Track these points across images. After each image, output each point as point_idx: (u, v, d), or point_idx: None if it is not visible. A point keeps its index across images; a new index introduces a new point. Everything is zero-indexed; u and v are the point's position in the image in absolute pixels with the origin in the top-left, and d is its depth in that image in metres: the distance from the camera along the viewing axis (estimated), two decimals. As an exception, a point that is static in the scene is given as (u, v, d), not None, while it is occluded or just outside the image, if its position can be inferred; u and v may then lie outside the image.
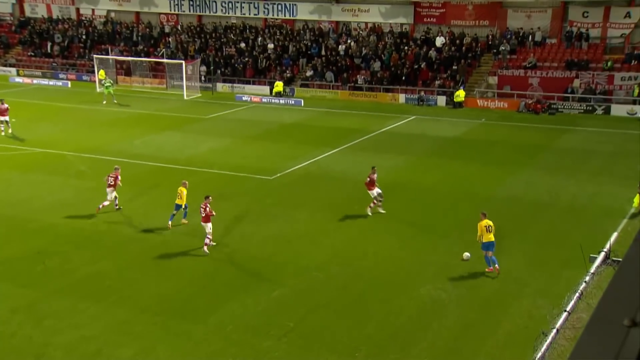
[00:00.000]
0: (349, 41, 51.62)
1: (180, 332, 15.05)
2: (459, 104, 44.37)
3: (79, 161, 29.33)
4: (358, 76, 48.98)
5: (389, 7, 51.51)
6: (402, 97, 46.73)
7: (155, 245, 20.17)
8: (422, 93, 46.03)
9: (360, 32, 52.69)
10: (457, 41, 48.58)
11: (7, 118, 33.76)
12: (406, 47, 49.64)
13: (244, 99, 47.24)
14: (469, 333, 15.21)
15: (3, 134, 33.75)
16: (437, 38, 49.21)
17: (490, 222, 18.22)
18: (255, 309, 16.23)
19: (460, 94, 44.32)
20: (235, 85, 50.87)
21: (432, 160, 30.67)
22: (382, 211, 22.72)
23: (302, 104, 45.56)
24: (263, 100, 46.93)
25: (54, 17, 62.43)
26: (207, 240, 19.45)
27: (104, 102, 44.04)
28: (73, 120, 38.55)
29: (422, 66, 47.73)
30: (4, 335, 14.78)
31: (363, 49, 50.56)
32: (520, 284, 17.50)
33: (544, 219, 22.57)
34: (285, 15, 54.99)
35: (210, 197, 19.82)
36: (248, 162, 29.77)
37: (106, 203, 22.50)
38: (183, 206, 21.47)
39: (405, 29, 51.75)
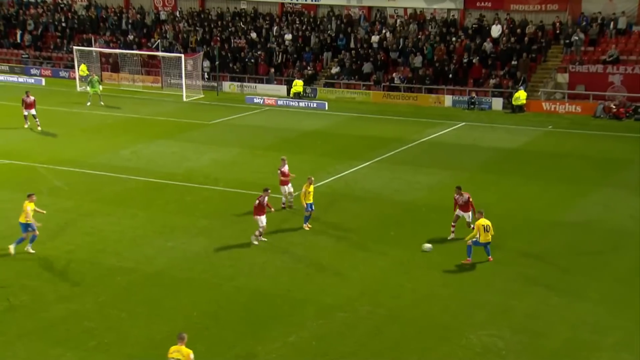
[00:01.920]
0: (383, 31, 51.90)
1: (174, 385, 15.09)
2: (519, 108, 44.19)
3: (54, 175, 29.73)
4: (394, 74, 49.16)
5: (433, -12, 51.80)
6: (448, 100, 46.74)
7: (146, 278, 20.32)
8: (474, 94, 46.00)
9: (398, 19, 52.94)
10: (518, 30, 48.56)
11: (34, 112, 37.37)
12: (454, 38, 49.75)
13: (255, 101, 47.62)
14: (531, 392, 15.05)
15: (28, 126, 37.34)
16: (493, 27, 49.26)
17: (488, 222, 20.73)
18: (268, 357, 16.25)
19: (520, 96, 44.17)
20: (245, 84, 51.37)
21: (485, 177, 30.54)
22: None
23: (326, 108, 45.78)
24: (278, 102, 47.27)
25: None
26: (257, 233, 22.30)
27: (89, 103, 44.76)
28: (47, 126, 39.13)
29: (473, 61, 47.76)
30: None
31: (401, 40, 50.79)
32: (598, 333, 17.30)
33: (627, 251, 22.30)
34: (306, 0, 55.45)
35: (269, 190, 22.81)
36: (259, 178, 29.89)
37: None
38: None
39: (454, 15, 51.91)
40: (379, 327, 17.67)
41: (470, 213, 23.05)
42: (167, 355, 13.86)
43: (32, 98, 37.77)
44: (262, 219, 22.43)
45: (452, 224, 23.26)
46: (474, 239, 20.95)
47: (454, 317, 18.20)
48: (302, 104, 46.82)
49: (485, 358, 16.26)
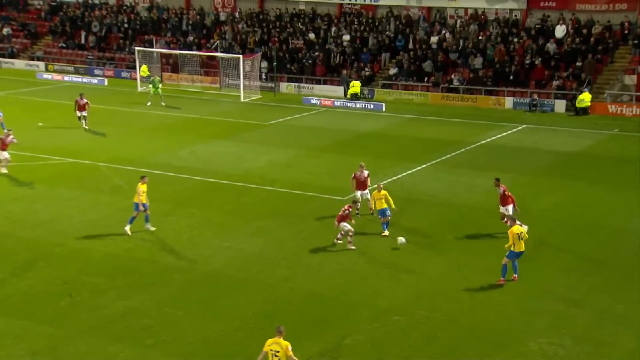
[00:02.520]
0: (443, 32, 51.52)
1: (230, 385, 15.30)
2: (583, 111, 43.36)
3: (115, 174, 30.40)
4: (453, 75, 48.73)
5: (496, -12, 51.20)
6: (508, 102, 46.14)
7: (203, 277, 20.62)
8: (536, 96, 45.29)
9: (458, 20, 52.50)
10: (584, 30, 47.67)
11: (84, 113, 38.39)
12: (516, 39, 49.09)
13: (312, 101, 47.82)
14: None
15: (86, 127, 38.14)
16: (557, 27, 48.46)
17: (523, 229, 19.75)
18: (322, 359, 16.29)
19: (585, 98, 43.33)
20: (302, 85, 51.62)
21: (547, 181, 30.07)
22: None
23: (384, 109, 45.68)
24: (335, 103, 47.36)
25: (90, 1, 65.21)
26: (341, 235, 22.41)
27: (149, 103, 45.59)
28: (109, 125, 40.06)
29: (535, 62, 47.02)
30: (23, 380, 15.45)
31: (461, 41, 50.33)
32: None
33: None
34: (365, 0, 55.46)
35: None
36: (316, 179, 30.03)
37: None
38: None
39: (516, 16, 51.23)
40: (435, 331, 17.56)
41: (510, 206, 23.08)
42: (265, 349, 14.00)
43: (85, 100, 38.52)
44: (345, 225, 22.40)
45: (502, 219, 23.33)
46: (508, 251, 19.79)
47: (512, 323, 17.97)
48: (359, 105, 46.79)
49: (544, 366, 16.03)
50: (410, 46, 51.60)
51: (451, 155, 34.15)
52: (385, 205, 23.55)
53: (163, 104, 45.46)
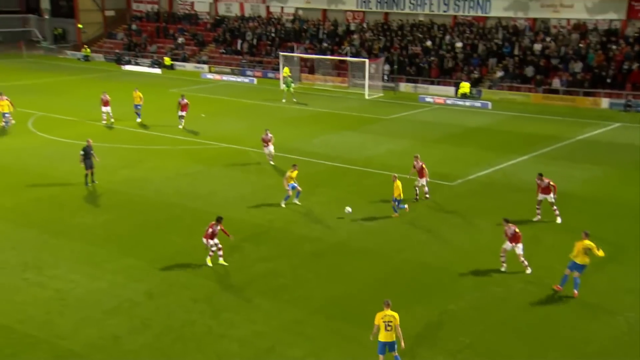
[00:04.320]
0: (546, 40, 49.23)
1: (351, 337, 15.42)
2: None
3: (260, 157, 31.19)
4: (554, 78, 46.51)
5: (597, 1, 48.35)
6: (605, 102, 43.62)
7: (330, 247, 20.84)
8: (631, 98, 42.49)
9: (561, 29, 49.99)
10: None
11: (184, 113, 36.54)
12: (614, 46, 46.17)
13: (427, 100, 47.10)
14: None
15: (181, 127, 36.58)
16: (655, 35, 45.19)
17: (592, 244, 16.95)
18: (428, 319, 16.15)
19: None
20: (418, 85, 50.90)
21: (638, 174, 28.24)
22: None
23: (490, 107, 44.36)
24: (447, 101, 46.42)
25: (246, 15, 67.02)
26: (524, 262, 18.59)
27: (284, 100, 46.38)
28: (256, 117, 41.10)
29: (633, 68, 44.08)
30: (186, 323, 16.19)
31: (562, 48, 47.93)
32: None
33: None
34: (477, 12, 53.94)
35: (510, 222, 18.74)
36: (428, 166, 29.49)
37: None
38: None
39: (615, 25, 48.17)
40: (531, 302, 17.00)
41: (551, 195, 22.37)
42: (378, 320, 13.74)
43: (185, 101, 36.69)
44: (519, 247, 18.90)
45: (537, 207, 22.81)
46: (570, 262, 17.39)
47: (601, 299, 17.18)
48: (467, 104, 45.64)
49: (631, 339, 15.15)
50: (516, 52, 49.68)
51: (550, 149, 32.72)
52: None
53: (295, 100, 46.08)
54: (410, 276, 18.78)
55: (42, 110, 41.60)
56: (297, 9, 64.18)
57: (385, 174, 28.37)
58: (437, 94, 48.35)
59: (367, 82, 48.82)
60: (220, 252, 19.32)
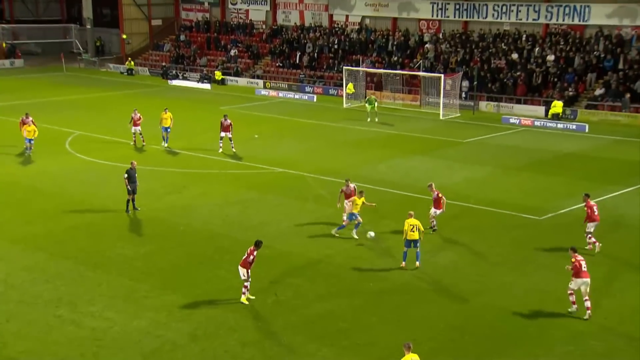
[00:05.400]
0: (657, 51, 48.13)
1: (418, 392, 15.27)
2: None
3: (319, 184, 31.47)
4: (665, 96, 45.33)
5: None
6: None
7: (396, 287, 20.79)
8: None
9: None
10: None
11: (229, 134, 37.04)
12: None
13: (511, 121, 46.64)
14: None
15: (220, 150, 37.01)
16: None
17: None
18: (510, 377, 15.87)
19: None
20: (501, 104, 50.46)
21: None
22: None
23: (587, 130, 43.54)
24: (535, 123, 45.83)
25: (306, 24, 68.03)
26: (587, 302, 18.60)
27: (369, 119, 46.70)
28: (315, 139, 41.56)
29: None
30: (233, 368, 16.42)
31: (675, 61, 46.75)
32: None
33: None
34: (573, 20, 53.17)
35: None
36: (511, 197, 29.24)
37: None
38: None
39: None
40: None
41: (595, 223, 23.34)
42: None
43: (228, 121, 36.77)
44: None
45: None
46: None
47: None
48: (560, 126, 44.92)
49: None
50: (620, 66, 48.67)
51: (659, 179, 31.84)
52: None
53: (377, 120, 46.34)
54: (490, 323, 18.51)
55: (80, 129, 43.23)
56: (363, 17, 64.79)
57: (460, 205, 28.14)
58: (523, 115, 47.78)
59: (442, 100, 48.71)
60: (248, 286, 19.53)
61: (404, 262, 21.93)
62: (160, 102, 50.87)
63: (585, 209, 23.59)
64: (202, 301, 19.71)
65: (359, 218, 24.42)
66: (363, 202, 24.63)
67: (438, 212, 24.92)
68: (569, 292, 18.95)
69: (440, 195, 24.89)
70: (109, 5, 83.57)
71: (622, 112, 45.98)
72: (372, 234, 23.74)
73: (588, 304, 18.48)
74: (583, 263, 18.68)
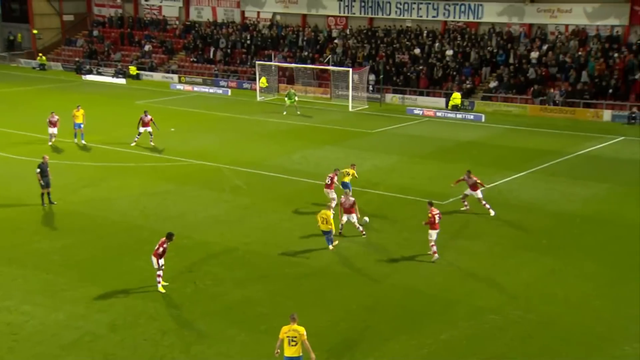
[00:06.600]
0: (543, 47, 49.99)
1: (334, 371, 15.38)
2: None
3: (235, 175, 31.19)
4: (552, 89, 47.18)
5: (597, 6, 49.18)
6: (607, 114, 44.28)
7: (311, 272, 20.85)
8: (635, 110, 43.22)
9: (559, 36, 50.81)
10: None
11: (149, 129, 36.49)
12: (616, 54, 46.99)
13: (415, 112, 47.51)
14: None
15: (134, 144, 36.32)
16: (660, 42, 46.02)
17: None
18: (420, 352, 16.18)
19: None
20: (406, 96, 51.31)
21: (644, 192, 28.68)
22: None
23: (483, 120, 44.82)
24: (437, 114, 46.86)
25: (219, 20, 67.22)
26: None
27: (285, 112, 46.31)
28: (231, 131, 41.15)
29: (636, 77, 44.85)
30: (154, 358, 16.05)
31: (560, 56, 48.68)
32: None
33: None
34: (468, 18, 54.63)
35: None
36: (417, 184, 29.80)
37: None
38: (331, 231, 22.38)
39: (617, 32, 49.07)
40: (529, 332, 17.09)
41: (479, 191, 25.24)
42: (281, 336, 14.26)
43: (149, 117, 36.42)
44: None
45: (462, 201, 25.85)
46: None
47: (607, 328, 17.27)
48: (459, 116, 46.09)
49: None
50: (511, 61, 50.37)
51: (548, 165, 33.10)
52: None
53: (298, 112, 46.20)
54: (398, 302, 18.83)
55: (-7, 125, 41.33)
56: (274, 14, 64.54)
57: (369, 192, 28.49)
58: (426, 106, 48.74)
59: (350, 93, 49.14)
60: (161, 274, 19.30)
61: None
62: (75, 97, 49.14)
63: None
64: (121, 292, 19.24)
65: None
66: (353, 174, 26.40)
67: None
68: (430, 243, 21.16)
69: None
70: (18, 0, 79.93)
71: (513, 103, 47.54)
72: (367, 219, 23.63)
73: (435, 249, 21.15)
74: (437, 216, 21.16)
